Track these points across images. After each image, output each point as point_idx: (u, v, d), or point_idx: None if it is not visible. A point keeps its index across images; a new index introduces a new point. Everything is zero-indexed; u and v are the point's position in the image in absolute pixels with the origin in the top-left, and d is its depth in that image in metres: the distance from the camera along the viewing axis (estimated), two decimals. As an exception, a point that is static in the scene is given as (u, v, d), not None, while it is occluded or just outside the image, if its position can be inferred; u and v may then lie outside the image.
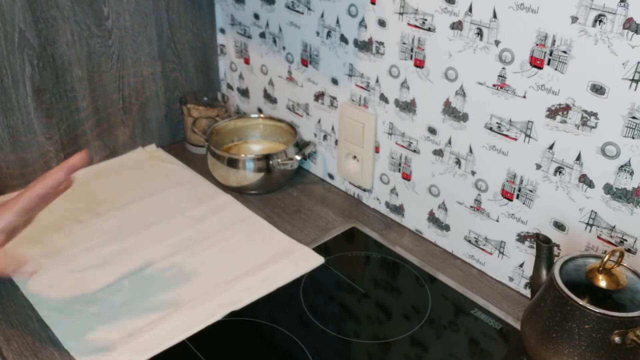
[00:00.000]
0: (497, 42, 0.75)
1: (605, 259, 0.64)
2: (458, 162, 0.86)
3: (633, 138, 0.67)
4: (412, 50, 0.85)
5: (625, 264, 0.66)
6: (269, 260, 0.89)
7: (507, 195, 0.82)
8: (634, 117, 0.66)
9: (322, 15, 0.97)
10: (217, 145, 1.10)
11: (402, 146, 0.94)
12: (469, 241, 0.90)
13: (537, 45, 0.71)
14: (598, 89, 0.68)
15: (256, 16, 1.10)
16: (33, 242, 0.90)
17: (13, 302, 0.81)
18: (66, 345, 0.74)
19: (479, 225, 0.87)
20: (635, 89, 0.65)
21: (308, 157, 1.14)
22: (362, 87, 0.96)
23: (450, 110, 0.84)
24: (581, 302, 0.63)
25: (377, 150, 0.98)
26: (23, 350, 0.74)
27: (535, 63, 0.72)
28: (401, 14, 0.85)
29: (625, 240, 0.72)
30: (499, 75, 0.76)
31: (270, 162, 1.03)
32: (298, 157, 1.04)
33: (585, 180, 0.73)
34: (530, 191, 0.79)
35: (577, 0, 0.66)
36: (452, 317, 0.81)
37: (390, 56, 0.89)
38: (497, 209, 0.84)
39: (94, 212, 0.99)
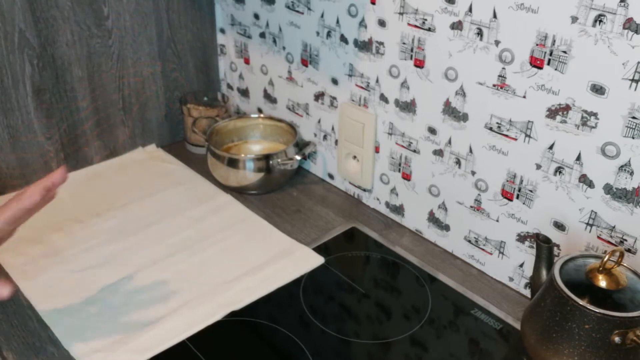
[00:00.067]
0: (497, 42, 0.75)
1: (605, 259, 0.64)
2: (458, 162, 0.86)
3: (633, 138, 0.67)
4: (412, 50, 0.85)
5: (625, 264, 0.66)
6: (269, 260, 0.89)
7: (507, 195, 0.82)
8: (634, 117, 0.66)
9: (322, 15, 0.97)
10: (217, 145, 1.10)
11: (402, 146, 0.94)
12: (469, 241, 0.90)
13: (537, 45, 0.71)
14: (598, 89, 0.68)
15: (256, 16, 1.10)
16: (33, 242, 0.90)
17: (13, 302, 0.80)
18: (66, 345, 0.74)
19: (479, 225, 0.87)
20: (635, 89, 0.65)
21: (308, 157, 1.14)
22: (362, 87, 0.96)
23: (450, 110, 0.84)
24: (581, 302, 0.63)
25: (377, 150, 0.98)
26: (23, 350, 0.74)
27: (535, 63, 0.72)
28: (401, 14, 0.84)
29: (625, 240, 0.72)
30: (499, 75, 0.76)
31: (270, 162, 1.03)
32: (298, 157, 1.04)
33: (585, 180, 0.73)
34: (530, 191, 0.79)
35: (577, 0, 0.66)
36: (452, 317, 0.81)
37: (390, 56, 0.89)
38: (497, 209, 0.84)
39: (94, 212, 0.98)
